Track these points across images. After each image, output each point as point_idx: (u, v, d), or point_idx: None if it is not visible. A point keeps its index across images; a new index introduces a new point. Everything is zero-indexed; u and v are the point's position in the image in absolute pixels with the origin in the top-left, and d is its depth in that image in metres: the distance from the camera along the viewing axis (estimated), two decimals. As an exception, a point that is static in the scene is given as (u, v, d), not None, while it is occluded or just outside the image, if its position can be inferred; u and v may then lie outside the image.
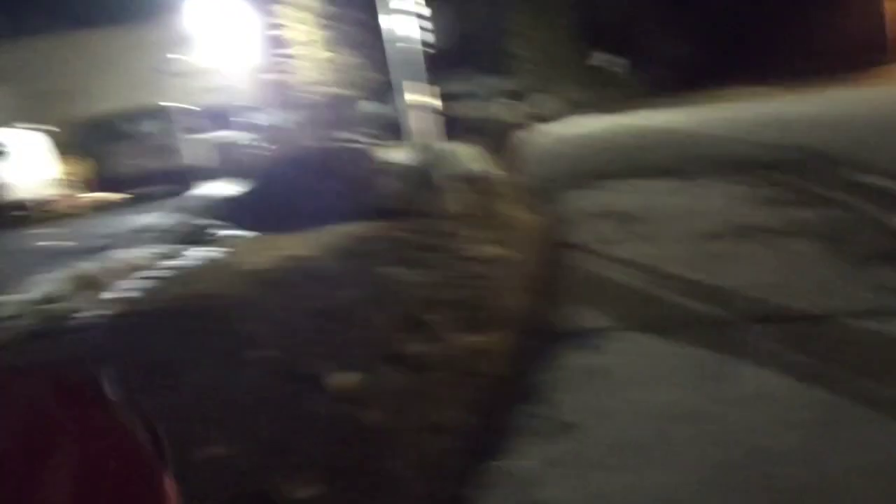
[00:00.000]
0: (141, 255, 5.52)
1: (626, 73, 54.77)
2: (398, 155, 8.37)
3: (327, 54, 34.59)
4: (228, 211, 7.91)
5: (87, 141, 22.06)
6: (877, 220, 5.85)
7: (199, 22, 30.03)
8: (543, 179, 11.00)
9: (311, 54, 35.39)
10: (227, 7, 30.55)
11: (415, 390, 3.37)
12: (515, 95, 55.19)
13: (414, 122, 13.39)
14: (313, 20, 35.36)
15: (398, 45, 15.40)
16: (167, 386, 3.28)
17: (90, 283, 5.05)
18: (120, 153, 19.59)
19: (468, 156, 5.98)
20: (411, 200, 7.84)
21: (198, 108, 29.04)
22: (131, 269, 5.11)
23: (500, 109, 31.18)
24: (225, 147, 24.16)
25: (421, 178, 8.08)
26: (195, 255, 5.45)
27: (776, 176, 8.31)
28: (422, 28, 16.39)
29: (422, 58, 15.82)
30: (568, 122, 26.38)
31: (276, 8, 36.65)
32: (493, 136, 25.18)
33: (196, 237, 6.78)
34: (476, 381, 3.56)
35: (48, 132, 20.68)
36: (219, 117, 26.91)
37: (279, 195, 7.99)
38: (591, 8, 57.89)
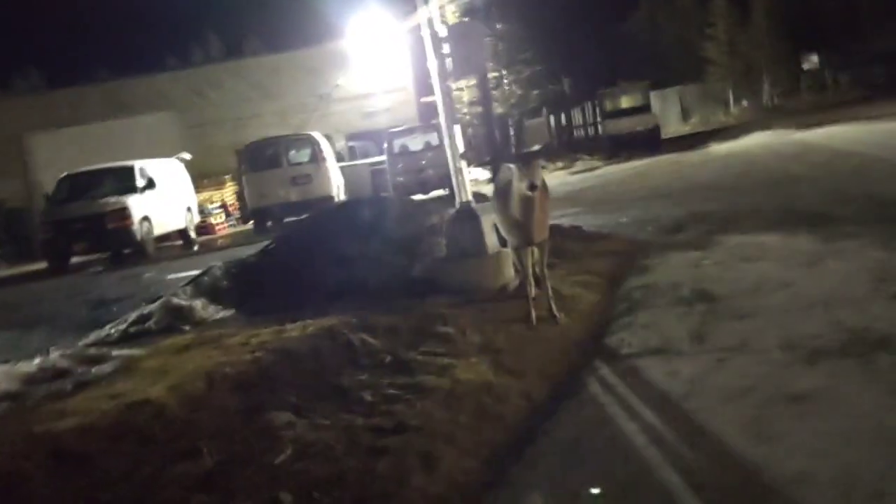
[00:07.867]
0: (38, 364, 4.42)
1: (836, 76, 48.82)
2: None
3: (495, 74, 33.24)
4: (236, 278, 6.74)
5: (240, 168, 22.27)
6: None
7: (360, 47, 30.05)
8: (648, 225, 8.94)
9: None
10: (389, 31, 30.23)
11: None
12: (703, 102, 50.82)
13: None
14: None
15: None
16: None
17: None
18: (269, 181, 19.41)
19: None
20: (444, 270, 6.25)
21: (352, 134, 29.00)
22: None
23: (653, 121, 27.83)
24: (377, 173, 23.55)
25: (471, 241, 6.43)
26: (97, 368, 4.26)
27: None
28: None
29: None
30: (746, 137, 23.07)
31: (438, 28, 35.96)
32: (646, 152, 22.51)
33: (164, 320, 5.65)
34: None
35: (193, 160, 21.03)
36: (377, 142, 26.47)
37: (296, 259, 6.73)
38: (802, 5, 52.23)
